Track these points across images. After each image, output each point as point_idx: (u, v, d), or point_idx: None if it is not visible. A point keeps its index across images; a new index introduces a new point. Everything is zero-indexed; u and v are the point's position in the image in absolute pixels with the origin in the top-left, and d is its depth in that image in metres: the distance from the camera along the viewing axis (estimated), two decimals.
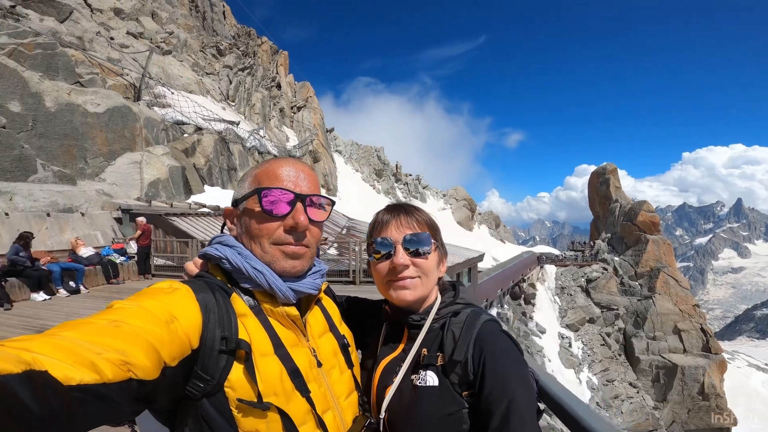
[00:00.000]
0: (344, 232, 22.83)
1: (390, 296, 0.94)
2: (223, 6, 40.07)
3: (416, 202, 57.40)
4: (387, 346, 0.98)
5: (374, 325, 1.03)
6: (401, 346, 0.95)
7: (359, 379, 0.95)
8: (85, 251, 9.26)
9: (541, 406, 0.90)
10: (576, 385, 28.46)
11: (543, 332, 31.32)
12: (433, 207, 60.08)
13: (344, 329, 0.98)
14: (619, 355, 33.34)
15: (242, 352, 0.72)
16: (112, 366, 0.50)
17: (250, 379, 0.71)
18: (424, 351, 0.88)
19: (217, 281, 0.80)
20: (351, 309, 1.10)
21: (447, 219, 55.91)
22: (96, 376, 0.48)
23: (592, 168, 51.96)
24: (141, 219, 10.46)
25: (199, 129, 20.74)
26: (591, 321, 34.97)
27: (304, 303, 0.89)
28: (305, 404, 0.76)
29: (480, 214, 69.58)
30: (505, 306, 30.67)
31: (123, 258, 10.47)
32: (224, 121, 23.43)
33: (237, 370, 0.71)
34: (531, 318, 32.24)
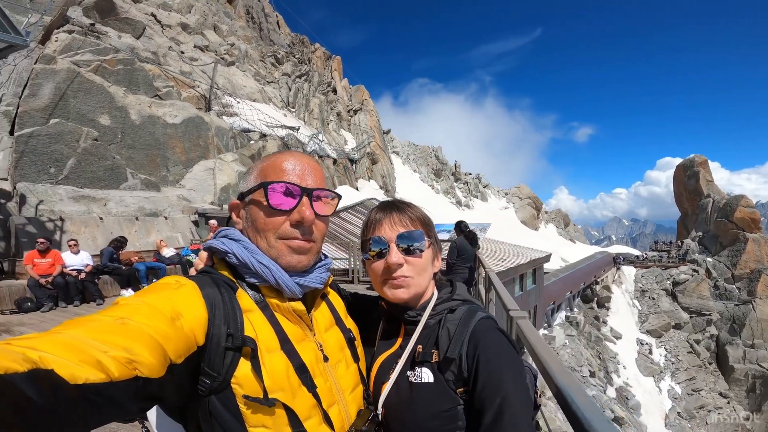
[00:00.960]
0: None
1: (386, 294, 0.95)
2: (276, 16, 42.25)
3: (477, 202, 55.92)
4: (384, 342, 1.00)
5: (374, 321, 1.05)
6: (398, 342, 0.97)
7: (365, 373, 0.97)
8: (167, 252, 9.94)
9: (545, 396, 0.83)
10: (655, 394, 26.96)
11: (618, 338, 30.15)
12: (495, 206, 58.18)
13: (350, 323, 0.99)
14: (710, 363, 30.82)
15: (248, 349, 0.73)
16: (117, 364, 0.51)
17: (257, 376, 0.72)
18: (419, 348, 0.90)
19: (222, 276, 0.81)
20: (354, 304, 1.11)
21: (510, 218, 53.91)
22: (102, 375, 0.49)
23: (677, 161, 49.75)
24: (213, 222, 11.17)
25: (263, 135, 21.70)
26: (677, 327, 32.79)
27: (310, 297, 0.90)
28: (311, 399, 0.78)
29: (547, 212, 66.32)
30: (575, 309, 30.13)
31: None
32: (285, 127, 24.37)
33: (243, 367, 0.72)
34: (605, 322, 31.26)
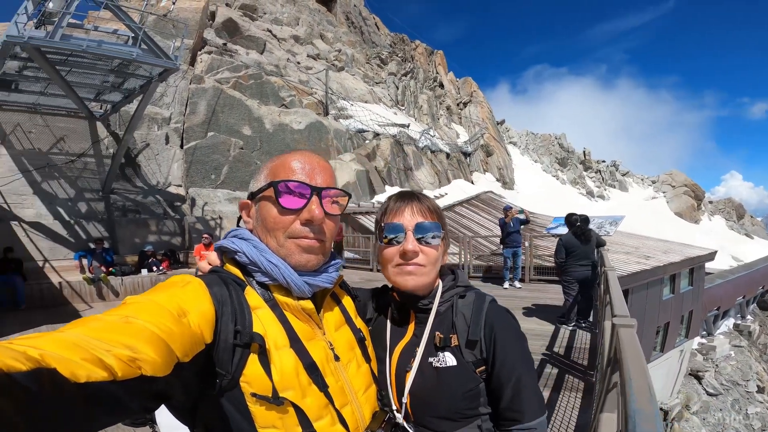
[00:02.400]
0: (522, 227, 21.19)
1: (396, 281, 1.00)
2: (374, 18, 44.27)
3: (614, 192, 49.84)
4: (395, 333, 1.04)
5: (376, 309, 1.12)
6: (410, 331, 1.02)
7: (377, 374, 0.99)
8: None
9: None
10: None
11: None
12: (639, 196, 51.15)
13: (360, 323, 1.01)
14: None
15: (256, 346, 0.74)
16: (120, 363, 0.51)
17: (265, 374, 0.74)
18: (438, 334, 0.96)
19: (230, 275, 0.83)
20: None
21: (660, 209, 46.79)
22: (105, 374, 0.49)
23: None
24: None
25: (377, 135, 22.86)
26: None
27: (320, 296, 0.92)
28: (322, 399, 0.80)
29: (711, 202, 55.80)
30: (748, 317, 25.43)
31: None
32: (396, 125, 25.22)
33: (252, 365, 0.74)
34: None
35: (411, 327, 1.02)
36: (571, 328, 5.88)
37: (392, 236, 0.98)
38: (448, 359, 0.93)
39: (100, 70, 8.64)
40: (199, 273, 0.90)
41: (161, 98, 13.34)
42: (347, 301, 1.03)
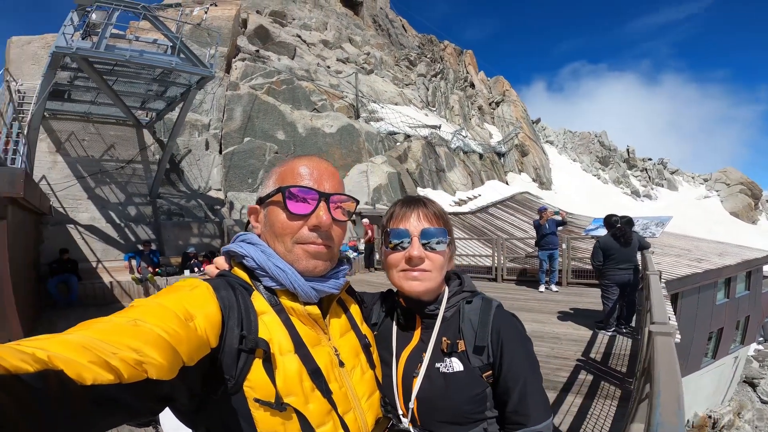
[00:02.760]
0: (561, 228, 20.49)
1: (401, 286, 1.01)
2: (401, 20, 44.59)
3: (662, 191, 47.63)
4: (402, 338, 1.05)
5: (382, 313, 1.13)
6: (416, 336, 1.04)
7: (381, 380, 1.00)
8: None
9: None
10: None
11: None
12: (691, 195, 48.64)
13: (365, 329, 1.04)
14: None
15: (261, 351, 0.76)
16: (126, 366, 0.52)
17: (269, 379, 0.75)
18: (445, 339, 0.98)
19: (238, 279, 0.86)
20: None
21: (714, 209, 44.31)
22: (111, 376, 0.50)
23: None
24: (365, 220, 12.84)
25: (408, 137, 23.03)
26: None
27: (326, 302, 0.94)
28: (326, 405, 0.81)
29: None
30: None
31: (355, 254, 12.82)
32: (427, 126, 25.28)
33: (256, 370, 0.75)
34: None
35: (417, 332, 1.04)
36: (610, 333, 5.75)
37: (398, 241, 1.00)
38: (455, 365, 0.95)
39: (143, 79, 9.21)
40: (206, 276, 0.92)
41: (201, 105, 14.09)
42: (353, 307, 1.05)
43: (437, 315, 1.02)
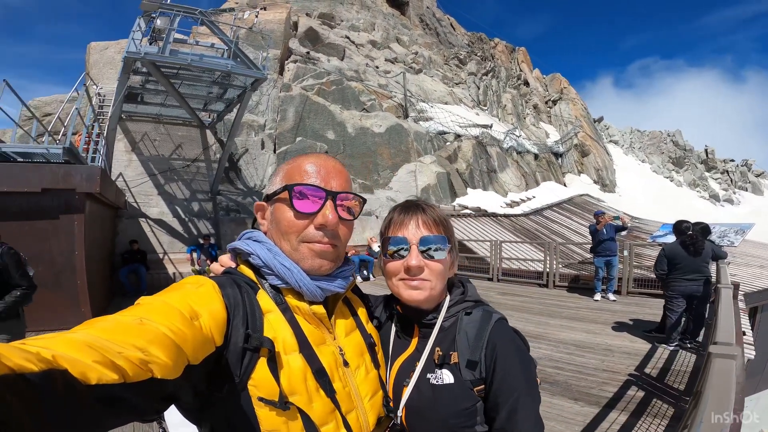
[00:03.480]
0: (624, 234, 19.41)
1: (400, 295, 1.01)
2: (448, 19, 44.50)
3: (746, 195, 43.94)
4: (398, 345, 1.06)
5: (383, 317, 1.13)
6: (413, 344, 1.03)
7: (385, 380, 1.01)
8: (376, 247, 11.85)
9: None
10: None
11: None
12: None
13: (371, 328, 1.04)
14: None
15: (266, 350, 0.77)
16: (132, 365, 0.53)
17: (273, 378, 0.76)
18: (438, 350, 0.97)
19: (244, 277, 0.87)
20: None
21: None
22: (115, 376, 0.50)
23: None
24: None
25: (458, 136, 23.04)
26: None
27: (332, 301, 0.95)
28: (329, 404, 0.82)
29: None
30: None
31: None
32: (478, 125, 25.12)
33: (261, 369, 0.76)
34: None
35: (414, 341, 1.04)
36: (672, 347, 5.52)
37: (395, 249, 1.00)
38: (446, 377, 0.94)
39: (204, 81, 10.10)
40: (212, 274, 0.93)
41: (257, 107, 15.12)
42: (359, 307, 1.06)
43: (435, 324, 1.01)
